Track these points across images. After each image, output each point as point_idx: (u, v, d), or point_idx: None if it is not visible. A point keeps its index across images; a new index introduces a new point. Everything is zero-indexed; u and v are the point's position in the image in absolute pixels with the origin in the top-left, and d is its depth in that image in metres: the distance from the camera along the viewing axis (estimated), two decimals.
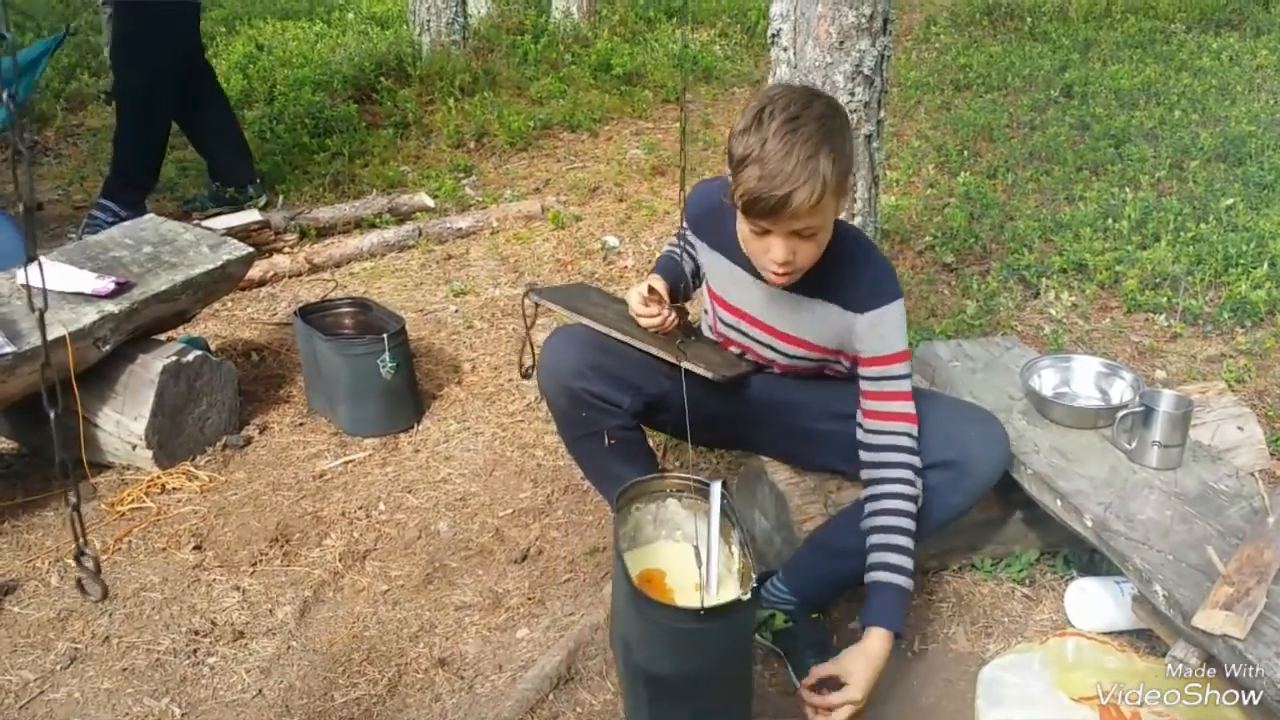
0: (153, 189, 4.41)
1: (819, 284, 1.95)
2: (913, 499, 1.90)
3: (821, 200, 1.74)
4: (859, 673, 1.80)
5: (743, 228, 1.87)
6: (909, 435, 1.92)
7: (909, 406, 1.94)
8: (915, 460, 1.92)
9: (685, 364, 1.98)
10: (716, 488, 1.68)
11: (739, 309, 2.09)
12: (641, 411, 2.09)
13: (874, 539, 1.88)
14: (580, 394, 2.01)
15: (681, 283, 2.22)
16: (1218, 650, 1.66)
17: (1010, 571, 2.28)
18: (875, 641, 1.83)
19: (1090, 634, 2.04)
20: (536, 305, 2.28)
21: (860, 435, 1.97)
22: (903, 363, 1.94)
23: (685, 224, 2.16)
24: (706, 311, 2.25)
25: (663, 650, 1.55)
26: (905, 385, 1.94)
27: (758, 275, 1.97)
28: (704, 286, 2.26)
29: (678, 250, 2.27)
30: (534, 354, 2.12)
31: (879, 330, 1.94)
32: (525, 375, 2.22)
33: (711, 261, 2.12)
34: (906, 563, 1.86)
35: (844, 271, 1.95)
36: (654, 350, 2.04)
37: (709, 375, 2.02)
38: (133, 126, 4.22)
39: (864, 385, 1.97)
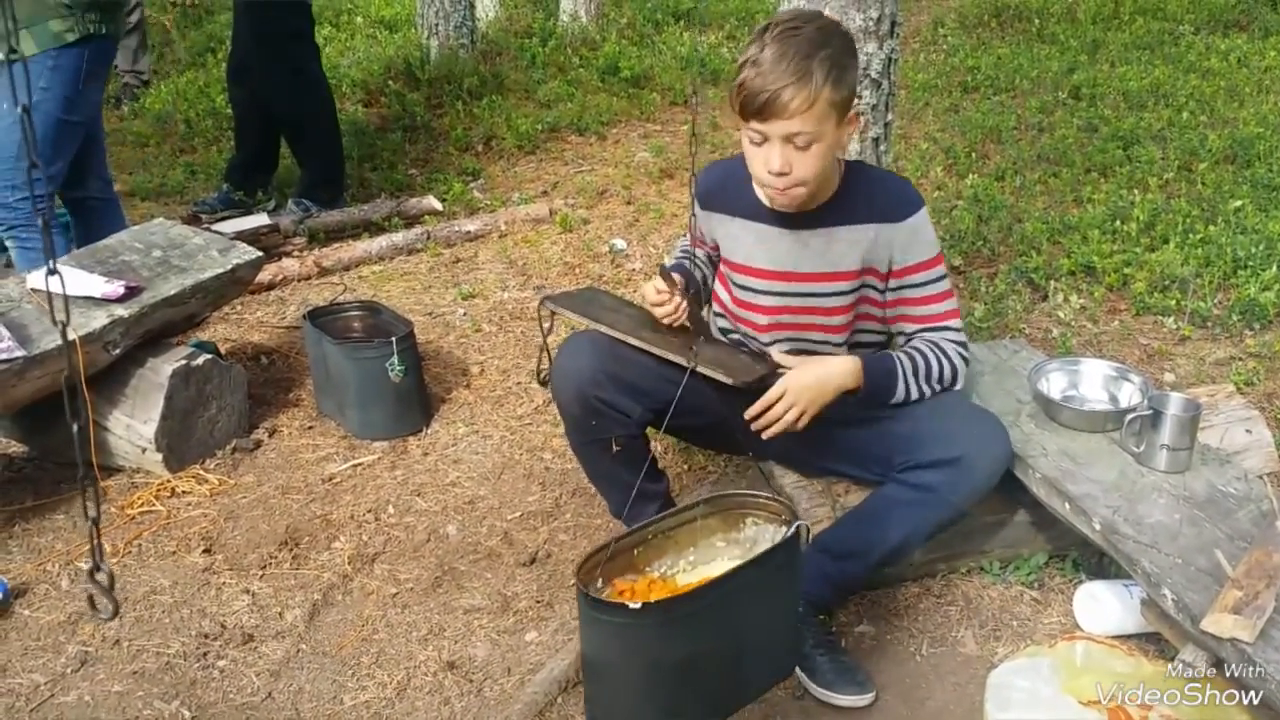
0: (342, 184, 4.49)
1: (845, 211, 2.00)
2: (955, 371, 2.02)
3: (814, 106, 1.80)
4: (802, 368, 1.93)
5: (746, 144, 1.92)
6: (960, 331, 2.05)
7: (955, 304, 2.07)
8: (965, 352, 2.05)
9: (703, 369, 1.97)
10: (801, 526, 1.69)
11: (767, 269, 2.09)
12: (650, 421, 2.09)
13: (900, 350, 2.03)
14: (593, 401, 2.02)
15: (692, 288, 2.21)
16: (1226, 654, 1.66)
17: (1019, 574, 2.27)
18: (841, 360, 1.96)
19: (1099, 637, 2.03)
20: (552, 313, 2.28)
21: (914, 343, 2.07)
22: (942, 264, 2.07)
23: (698, 205, 2.16)
24: (720, 314, 2.25)
25: (582, 624, 1.65)
26: (948, 284, 2.08)
27: (779, 224, 2.00)
28: (715, 284, 2.26)
29: (687, 259, 2.27)
30: (551, 361, 2.13)
31: (920, 235, 2.04)
32: (543, 383, 2.22)
33: (731, 230, 2.12)
34: (909, 366, 1.98)
35: (866, 191, 2.03)
36: (671, 356, 2.02)
37: (727, 381, 1.99)
38: (305, 129, 4.35)
39: (911, 294, 2.06)
